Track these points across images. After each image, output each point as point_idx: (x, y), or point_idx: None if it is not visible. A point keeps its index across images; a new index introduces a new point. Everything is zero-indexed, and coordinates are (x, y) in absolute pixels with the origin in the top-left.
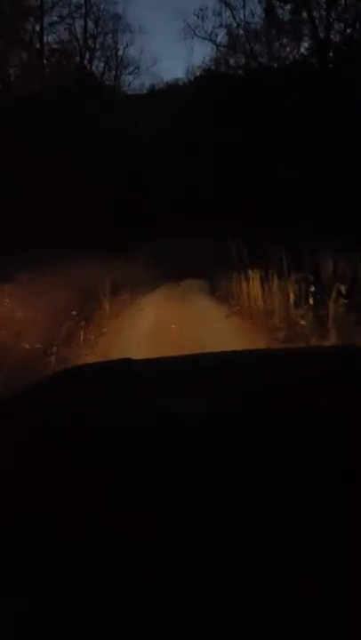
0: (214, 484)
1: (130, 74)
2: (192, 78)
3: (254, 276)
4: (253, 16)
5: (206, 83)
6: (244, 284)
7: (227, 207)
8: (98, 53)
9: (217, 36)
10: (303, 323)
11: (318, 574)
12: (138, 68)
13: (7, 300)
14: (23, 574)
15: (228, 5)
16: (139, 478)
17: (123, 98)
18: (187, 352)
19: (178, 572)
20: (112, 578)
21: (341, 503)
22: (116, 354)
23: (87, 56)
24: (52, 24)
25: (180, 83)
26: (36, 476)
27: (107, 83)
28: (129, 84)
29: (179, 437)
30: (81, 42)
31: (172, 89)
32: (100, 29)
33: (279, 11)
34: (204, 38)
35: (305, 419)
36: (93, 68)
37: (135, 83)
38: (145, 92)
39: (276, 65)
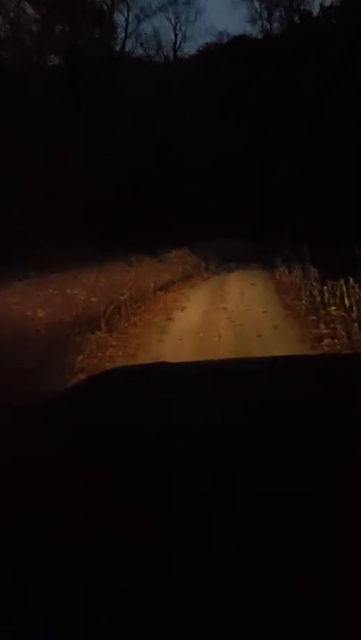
0: (214, 485)
1: None
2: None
3: None
4: None
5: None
6: None
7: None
8: None
9: None
10: None
11: (318, 574)
12: None
13: None
14: (23, 574)
15: None
16: (139, 478)
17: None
18: None
19: (178, 572)
20: (112, 578)
21: (341, 503)
22: None
23: None
24: None
25: (187, 56)
26: (37, 476)
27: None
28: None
29: (179, 438)
30: None
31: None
32: None
33: None
34: None
35: (304, 420)
36: None
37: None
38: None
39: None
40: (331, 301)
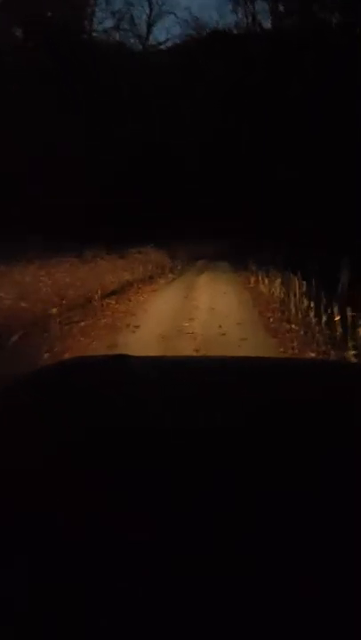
0: (214, 484)
1: None
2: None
3: None
4: None
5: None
6: None
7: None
8: None
9: None
10: None
11: (318, 574)
12: None
13: None
14: (23, 574)
15: None
16: (139, 478)
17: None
18: None
19: (178, 572)
20: (112, 578)
21: (342, 503)
22: None
23: None
24: None
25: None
26: (36, 475)
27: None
28: None
29: (179, 437)
30: None
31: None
32: None
33: None
34: None
35: (304, 420)
36: None
37: None
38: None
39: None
40: (347, 338)
